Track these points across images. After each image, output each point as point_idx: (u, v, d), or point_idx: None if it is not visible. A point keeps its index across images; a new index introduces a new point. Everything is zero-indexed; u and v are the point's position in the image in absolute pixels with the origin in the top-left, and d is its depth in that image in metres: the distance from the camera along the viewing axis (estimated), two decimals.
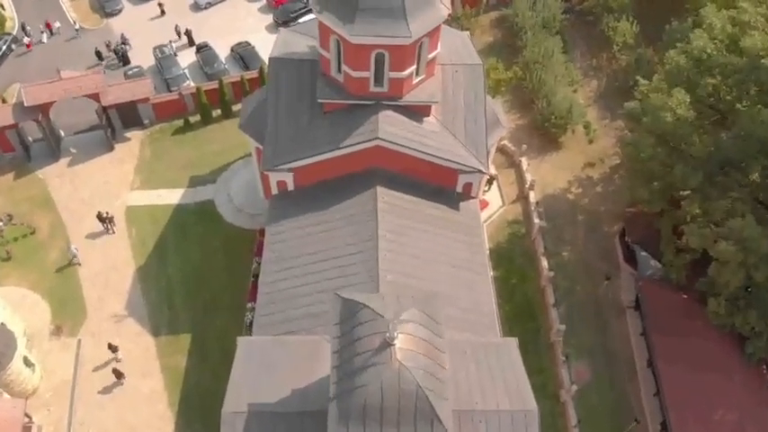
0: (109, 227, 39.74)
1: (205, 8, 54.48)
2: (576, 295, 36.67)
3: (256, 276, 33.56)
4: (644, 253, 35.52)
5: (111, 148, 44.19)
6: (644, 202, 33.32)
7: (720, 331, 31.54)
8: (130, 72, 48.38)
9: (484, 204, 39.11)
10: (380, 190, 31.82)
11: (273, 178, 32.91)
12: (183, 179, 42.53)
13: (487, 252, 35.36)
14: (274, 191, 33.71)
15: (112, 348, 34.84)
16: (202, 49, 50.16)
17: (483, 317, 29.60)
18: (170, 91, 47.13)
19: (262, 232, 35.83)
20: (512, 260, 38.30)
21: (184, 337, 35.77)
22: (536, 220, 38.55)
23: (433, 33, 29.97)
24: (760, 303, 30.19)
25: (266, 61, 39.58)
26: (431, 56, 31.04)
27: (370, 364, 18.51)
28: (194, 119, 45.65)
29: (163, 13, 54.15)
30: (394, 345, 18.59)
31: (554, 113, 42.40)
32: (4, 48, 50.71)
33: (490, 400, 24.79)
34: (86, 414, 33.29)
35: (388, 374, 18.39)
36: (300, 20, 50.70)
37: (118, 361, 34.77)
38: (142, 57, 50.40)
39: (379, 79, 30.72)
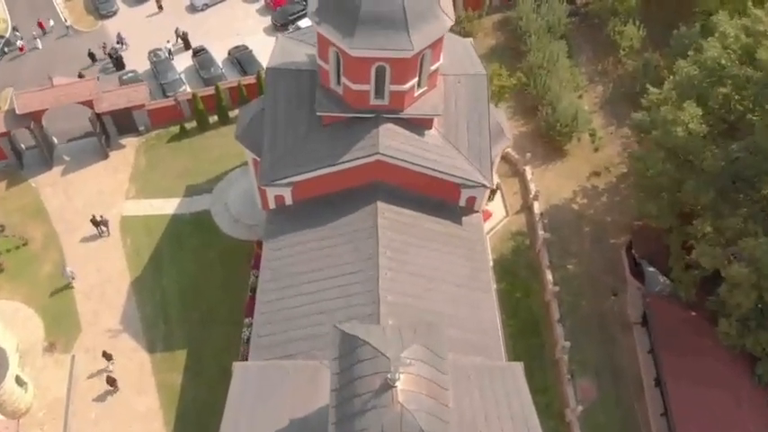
0: (104, 230, 38.97)
1: (202, 10, 53.38)
2: (581, 310, 35.79)
3: (254, 290, 32.75)
4: (651, 269, 34.59)
5: (105, 156, 43.24)
6: (652, 218, 32.32)
7: (730, 351, 30.69)
8: (125, 77, 47.38)
9: (487, 215, 38.19)
10: (381, 205, 30.89)
11: (271, 193, 31.97)
12: (179, 188, 41.59)
13: (491, 266, 34.47)
14: (272, 205, 32.78)
15: (107, 356, 34.16)
16: (199, 52, 49.05)
17: (487, 337, 28.73)
18: (166, 96, 46.18)
19: (259, 244, 34.98)
20: (515, 273, 37.40)
21: (180, 352, 34.95)
22: (540, 232, 37.62)
23: (436, 45, 28.97)
24: None
25: (264, 65, 38.74)
26: (433, 67, 30.04)
27: (370, 408, 17.64)
28: (191, 125, 44.67)
29: (160, 8, 53.10)
30: (395, 387, 17.72)
31: (559, 121, 41.34)
32: None
33: (494, 428, 24.12)
34: None
35: (390, 418, 17.52)
36: (299, 22, 49.68)
37: (111, 369, 34.10)
38: (137, 60, 49.33)
39: (379, 92, 29.75)
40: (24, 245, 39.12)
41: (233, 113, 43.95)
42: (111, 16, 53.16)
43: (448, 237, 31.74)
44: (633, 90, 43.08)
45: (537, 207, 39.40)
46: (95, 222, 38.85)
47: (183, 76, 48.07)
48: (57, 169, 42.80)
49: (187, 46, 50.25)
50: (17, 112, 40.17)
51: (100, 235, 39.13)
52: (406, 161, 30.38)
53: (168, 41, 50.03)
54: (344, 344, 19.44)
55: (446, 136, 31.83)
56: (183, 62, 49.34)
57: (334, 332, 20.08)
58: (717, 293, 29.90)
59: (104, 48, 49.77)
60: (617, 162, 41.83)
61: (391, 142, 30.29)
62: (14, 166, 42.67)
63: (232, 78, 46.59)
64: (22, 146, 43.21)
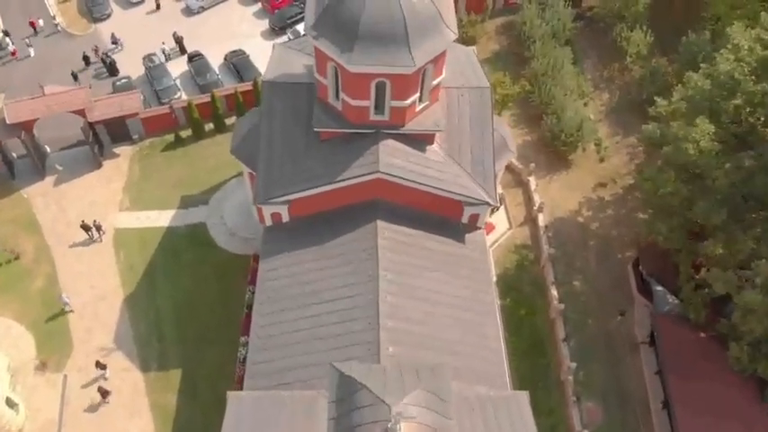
0: (96, 234, 38.17)
1: (198, 12, 52.08)
2: (587, 329, 34.80)
3: (250, 307, 31.82)
4: (660, 288, 33.57)
5: (98, 166, 42.16)
6: (662, 238, 31.25)
7: (741, 375, 29.75)
8: (119, 83, 46.13)
9: (490, 227, 37.16)
10: (381, 224, 29.84)
11: (267, 211, 30.92)
12: (174, 199, 40.54)
13: (494, 282, 33.41)
14: (268, 222, 31.73)
15: (100, 366, 33.43)
16: (194, 58, 47.74)
17: (491, 365, 27.74)
18: (161, 103, 45.06)
19: (256, 258, 34.02)
20: (519, 289, 36.42)
21: (174, 372, 34.02)
22: (545, 247, 36.60)
23: (439, 59, 27.84)
24: None
25: (261, 70, 37.48)
26: (435, 82, 28.93)
27: None
28: (186, 133, 43.55)
29: (158, 6, 51.89)
30: None
31: (564, 131, 40.21)
32: None
33: None
34: None
35: None
36: (297, 26, 48.47)
37: (105, 379, 33.43)
38: (131, 65, 48.11)
39: (379, 107, 28.64)
40: (16, 259, 38.13)
41: (229, 121, 43.00)
42: (104, 19, 51.79)
43: (450, 256, 30.71)
44: (640, 98, 42.01)
45: (541, 219, 38.38)
46: (86, 227, 37.92)
47: (178, 81, 46.87)
48: (49, 179, 41.74)
49: (182, 50, 49.01)
50: (7, 121, 39.10)
51: (92, 239, 38.15)
52: (407, 179, 29.33)
53: (164, 43, 48.84)
54: (342, 386, 18.56)
55: (448, 151, 30.75)
56: (178, 68, 48.10)
57: (332, 372, 19.13)
58: (728, 317, 28.90)
59: (96, 51, 48.57)
60: (623, 173, 40.76)
61: (392, 159, 29.22)
62: (5, 175, 41.59)
63: (229, 84, 45.43)
64: (14, 155, 42.15)
